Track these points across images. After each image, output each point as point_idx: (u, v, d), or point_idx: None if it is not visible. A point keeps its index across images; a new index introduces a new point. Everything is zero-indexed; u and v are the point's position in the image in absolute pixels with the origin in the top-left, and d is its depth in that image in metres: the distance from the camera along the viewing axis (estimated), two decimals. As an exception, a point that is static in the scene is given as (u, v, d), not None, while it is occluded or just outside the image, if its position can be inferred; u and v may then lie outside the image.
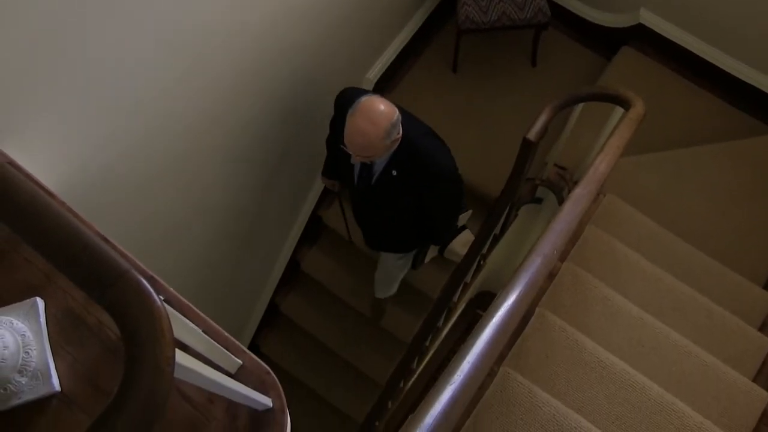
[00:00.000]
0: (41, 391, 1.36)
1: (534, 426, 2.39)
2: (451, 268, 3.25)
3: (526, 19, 3.75)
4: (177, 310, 1.26)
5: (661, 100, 3.77)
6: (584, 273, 2.85)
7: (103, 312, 1.06)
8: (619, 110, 2.77)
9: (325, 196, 4.08)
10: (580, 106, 2.91)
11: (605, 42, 4.17)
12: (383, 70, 3.95)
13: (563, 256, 2.94)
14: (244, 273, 3.89)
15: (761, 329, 3.03)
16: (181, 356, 0.96)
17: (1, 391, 1.33)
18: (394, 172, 2.51)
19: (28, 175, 1.52)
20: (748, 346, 2.88)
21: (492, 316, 1.63)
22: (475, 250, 3.04)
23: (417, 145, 2.46)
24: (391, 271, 3.48)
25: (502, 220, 3.23)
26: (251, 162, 3.08)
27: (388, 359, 4.11)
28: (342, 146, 2.38)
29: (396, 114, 2.31)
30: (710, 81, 3.92)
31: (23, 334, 1.38)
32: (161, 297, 0.87)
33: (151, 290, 0.86)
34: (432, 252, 3.19)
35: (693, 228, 3.43)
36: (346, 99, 2.47)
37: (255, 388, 1.35)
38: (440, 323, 3.43)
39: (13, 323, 1.39)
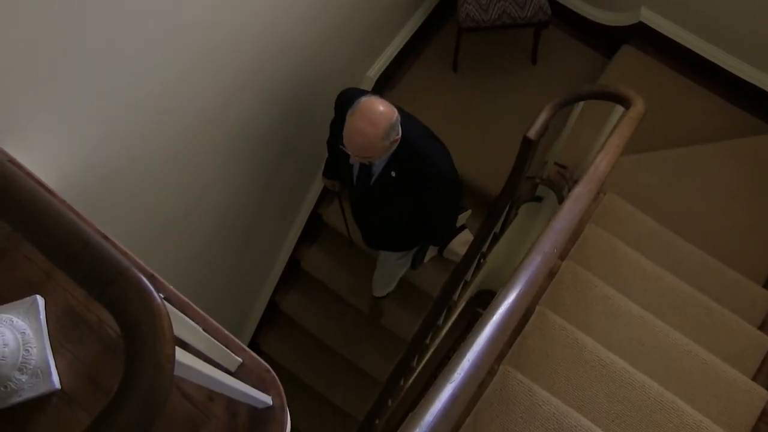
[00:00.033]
0: (41, 389, 1.36)
1: (534, 424, 2.39)
2: (451, 267, 3.25)
3: (526, 17, 3.75)
4: (177, 308, 1.26)
5: (661, 98, 3.77)
6: (584, 271, 2.85)
7: (103, 310, 1.06)
8: (620, 109, 2.76)
9: (325, 195, 4.08)
10: (581, 104, 2.91)
11: (606, 40, 4.17)
12: (383, 68, 3.95)
13: (563, 255, 2.94)
14: (244, 271, 3.90)
15: (761, 328, 3.03)
16: (181, 354, 0.96)
17: (2, 388, 1.33)
18: (393, 173, 2.52)
19: (28, 173, 1.52)
20: (747, 344, 2.88)
21: (492, 315, 1.63)
22: (475, 248, 3.04)
23: (416, 147, 2.47)
24: (391, 269, 3.48)
25: (502, 219, 3.23)
26: (251, 160, 3.08)
27: (388, 357, 4.11)
28: (341, 146, 2.38)
29: (395, 115, 2.31)
30: (710, 80, 3.92)
31: (23, 332, 1.38)
32: (161, 295, 0.87)
33: (151, 288, 0.86)
34: (431, 252, 3.19)
35: (693, 226, 3.43)
36: (347, 99, 2.47)
37: (255, 386, 1.35)
38: (440, 321, 3.43)
39: (13, 321, 1.39)
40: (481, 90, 4.10)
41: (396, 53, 4.03)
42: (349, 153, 2.35)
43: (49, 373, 1.37)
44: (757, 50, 3.67)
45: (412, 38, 4.13)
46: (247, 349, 1.43)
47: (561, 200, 3.40)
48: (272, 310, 4.44)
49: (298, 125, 3.34)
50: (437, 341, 3.91)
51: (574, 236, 3.00)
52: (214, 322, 1.45)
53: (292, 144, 3.41)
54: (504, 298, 1.69)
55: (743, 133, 3.79)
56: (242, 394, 1.28)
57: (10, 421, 1.36)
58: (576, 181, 2.48)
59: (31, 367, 1.36)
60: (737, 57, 3.77)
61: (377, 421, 3.67)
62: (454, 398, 1.41)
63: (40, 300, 1.44)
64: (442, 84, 4.13)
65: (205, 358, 1.22)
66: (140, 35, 1.91)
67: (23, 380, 1.35)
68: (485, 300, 4.29)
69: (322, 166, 3.11)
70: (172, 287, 1.45)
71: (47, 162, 1.79)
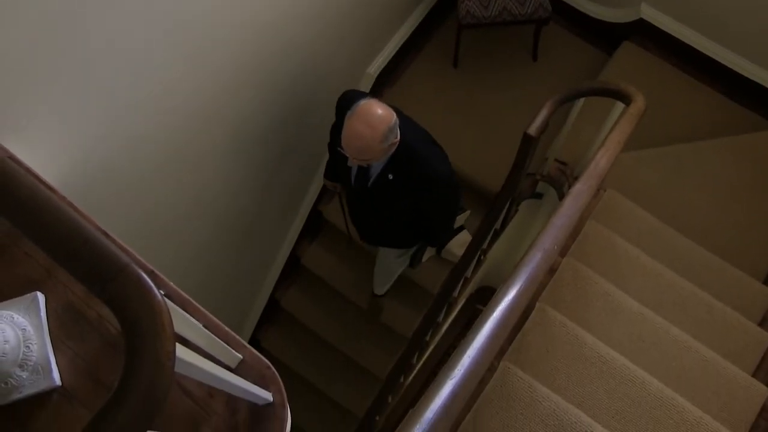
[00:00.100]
0: (42, 386, 1.36)
1: (534, 421, 2.39)
2: (451, 264, 3.25)
3: (526, 14, 3.74)
4: (177, 305, 1.26)
5: (661, 95, 3.76)
6: (585, 268, 2.85)
7: (103, 306, 1.06)
8: (620, 105, 2.76)
9: (326, 191, 4.08)
10: (581, 101, 2.91)
11: (606, 37, 4.16)
12: (384, 65, 3.95)
13: (563, 252, 2.94)
14: (244, 268, 3.90)
15: (761, 324, 3.03)
16: (181, 350, 0.96)
17: (2, 385, 1.33)
18: (391, 176, 2.52)
19: (28, 170, 1.52)
20: (748, 341, 2.88)
21: (492, 311, 1.63)
22: (475, 245, 3.04)
23: (414, 150, 2.47)
24: (390, 266, 3.49)
25: (502, 216, 3.23)
26: (251, 157, 3.08)
27: (389, 354, 4.12)
28: (339, 149, 2.38)
29: (394, 118, 2.31)
30: (711, 76, 3.92)
31: (24, 329, 1.39)
32: (161, 291, 0.87)
33: (152, 284, 0.86)
34: (429, 252, 3.20)
35: (693, 223, 3.43)
36: (347, 101, 2.48)
37: (255, 383, 1.35)
38: (440, 318, 3.43)
39: (13, 318, 1.39)
40: (482, 86, 4.10)
41: (396, 50, 4.02)
42: (347, 155, 2.35)
43: (50, 370, 1.38)
44: (758, 47, 3.67)
45: (412, 35, 4.12)
46: (248, 345, 1.43)
47: (561, 197, 3.40)
48: (272, 306, 4.45)
49: (298, 125, 3.33)
50: (437, 338, 3.92)
51: (575, 233, 3.00)
52: (215, 318, 1.45)
53: (292, 144, 3.42)
54: (504, 294, 1.69)
55: (744, 129, 3.79)
56: (243, 391, 1.28)
57: (10, 417, 1.36)
58: (576, 178, 2.48)
59: (32, 363, 1.36)
60: (738, 53, 3.76)
61: (377, 418, 3.68)
62: (454, 395, 1.41)
63: (41, 297, 1.44)
64: (443, 80, 4.13)
65: (205, 355, 1.22)
66: (140, 35, 1.90)
67: (24, 377, 1.35)
68: (485, 297, 4.28)
69: (323, 165, 3.11)
70: (172, 284, 1.45)
71: (47, 159, 1.78)
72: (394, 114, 2.33)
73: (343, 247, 4.10)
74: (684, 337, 2.73)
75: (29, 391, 1.35)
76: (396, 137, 2.37)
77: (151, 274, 1.39)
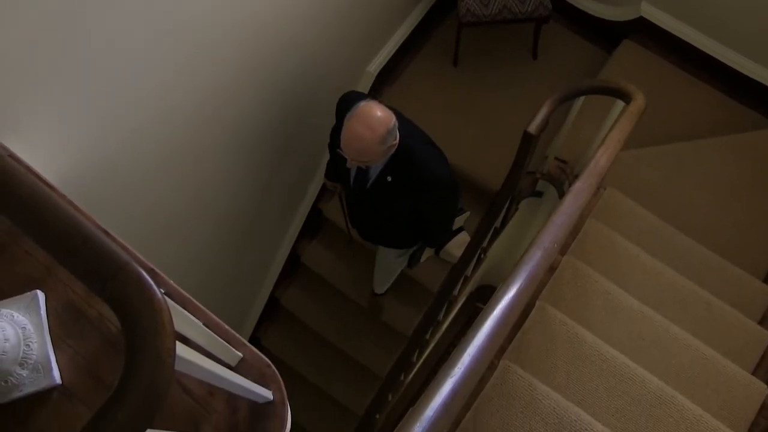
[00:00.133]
0: (42, 384, 1.36)
1: (534, 419, 2.40)
2: (450, 263, 3.25)
3: (527, 12, 3.74)
4: (177, 303, 1.27)
5: (662, 93, 3.76)
6: (585, 266, 2.85)
7: (103, 304, 1.06)
8: (620, 103, 2.76)
9: (326, 189, 4.08)
10: (581, 99, 2.91)
11: (606, 35, 4.16)
12: (384, 63, 3.95)
13: (563, 250, 2.94)
14: (244, 266, 3.90)
15: (761, 323, 3.03)
16: (181, 349, 0.96)
17: (2, 383, 1.33)
18: (389, 178, 2.53)
19: (28, 168, 1.52)
20: (747, 339, 2.88)
21: (492, 309, 1.63)
22: (475, 243, 3.04)
23: (413, 152, 2.48)
24: (390, 265, 3.50)
25: (502, 214, 3.23)
26: (251, 156, 3.08)
27: (389, 352, 4.12)
28: (338, 150, 2.39)
29: (393, 120, 2.32)
30: (711, 74, 3.91)
31: (24, 327, 1.39)
32: (162, 290, 0.87)
33: (152, 283, 0.86)
34: (428, 252, 3.21)
35: (693, 222, 3.43)
36: (347, 103, 2.48)
37: (255, 381, 1.35)
38: (440, 317, 3.44)
39: (14, 316, 1.39)
40: (482, 85, 4.10)
41: (396, 48, 4.02)
42: (346, 156, 2.36)
43: (50, 368, 1.38)
44: (758, 45, 3.66)
45: (412, 33, 4.12)
46: (248, 344, 1.43)
47: (561, 195, 3.40)
48: (273, 305, 4.45)
49: (298, 125, 3.34)
50: (437, 336, 3.92)
51: (575, 231, 3.00)
52: (215, 317, 1.45)
53: (292, 144, 3.42)
54: (504, 293, 1.69)
55: (744, 128, 3.79)
56: (243, 389, 1.28)
57: (11, 415, 1.36)
58: (576, 176, 2.48)
59: (32, 361, 1.37)
60: (738, 52, 3.76)
61: (377, 416, 3.68)
62: (455, 393, 1.41)
63: (41, 295, 1.44)
64: (443, 79, 4.13)
65: (205, 353, 1.22)
66: (140, 34, 1.90)
67: (24, 375, 1.35)
68: (485, 295, 4.29)
69: (323, 164, 3.11)
70: (172, 282, 1.45)
71: (48, 157, 1.78)
72: (393, 116, 2.33)
73: (343, 246, 4.11)
74: (684, 335, 2.73)
75: (29, 389, 1.36)
76: (395, 139, 2.37)
77: (151, 272, 1.39)
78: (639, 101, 2.65)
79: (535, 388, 2.43)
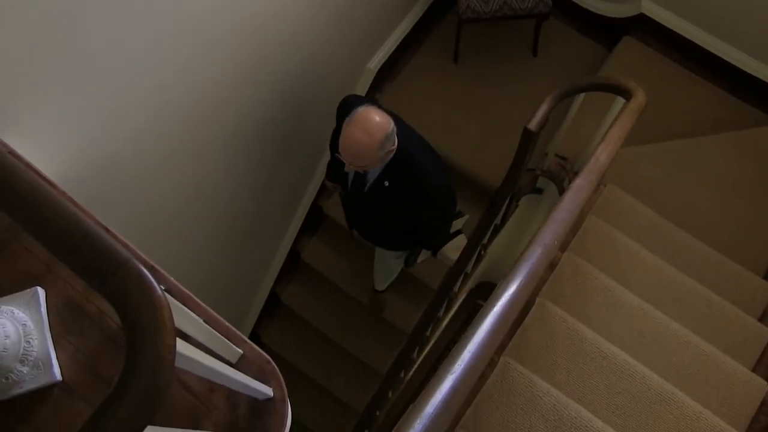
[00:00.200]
0: (42, 381, 1.37)
1: (534, 415, 2.40)
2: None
3: (527, 8, 3.74)
4: (178, 300, 1.27)
5: (662, 90, 3.75)
6: (585, 263, 2.85)
7: (103, 301, 1.06)
8: (621, 100, 2.76)
9: (326, 187, 4.08)
10: (581, 96, 2.91)
11: (607, 32, 4.15)
12: (384, 60, 3.94)
13: (564, 247, 2.94)
14: (244, 263, 3.90)
15: (761, 319, 3.03)
16: (182, 345, 0.96)
17: (3, 380, 1.34)
18: (387, 183, 2.54)
19: (28, 165, 1.52)
20: (747, 336, 2.89)
21: (492, 306, 1.63)
22: (475, 240, 3.04)
23: (411, 158, 2.49)
24: (388, 264, 3.51)
25: (502, 211, 3.23)
26: (251, 154, 3.08)
27: (389, 349, 4.12)
28: (337, 154, 2.40)
29: (391, 126, 2.32)
30: (712, 72, 3.91)
31: (24, 324, 1.39)
32: (162, 286, 0.87)
33: (152, 279, 0.86)
34: (425, 254, 3.22)
35: (694, 219, 3.43)
36: (348, 106, 2.49)
37: (255, 378, 1.36)
38: (441, 313, 3.43)
39: (14, 313, 1.39)
40: (482, 81, 4.09)
41: (396, 45, 4.02)
42: (344, 161, 2.36)
43: (51, 365, 1.38)
44: (761, 43, 3.66)
45: (412, 30, 4.12)
46: (248, 340, 1.44)
47: (561, 192, 3.40)
48: (273, 301, 4.45)
49: (298, 125, 3.34)
50: (438, 333, 3.92)
51: (575, 228, 3.00)
52: (215, 313, 1.45)
53: (291, 144, 3.42)
54: (504, 289, 1.69)
55: (746, 125, 3.78)
56: (243, 386, 1.28)
57: (11, 412, 1.36)
58: (576, 173, 2.48)
59: (33, 358, 1.37)
60: (740, 49, 3.75)
61: (377, 413, 3.68)
62: (455, 390, 1.41)
63: (41, 292, 1.44)
64: (443, 75, 4.13)
65: (205, 350, 1.22)
66: (141, 25, 1.90)
67: (25, 372, 1.35)
68: (486, 292, 4.29)
69: (322, 162, 3.12)
70: (172, 279, 1.45)
71: (47, 154, 1.78)
72: (392, 121, 2.34)
73: (343, 243, 4.11)
74: (684, 332, 2.73)
75: (30, 386, 1.36)
76: (393, 144, 2.38)
77: (151, 269, 1.39)
78: (639, 98, 2.65)
79: (535, 385, 2.43)
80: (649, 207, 3.28)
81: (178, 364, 0.89)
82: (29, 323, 1.39)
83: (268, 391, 1.37)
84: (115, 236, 1.35)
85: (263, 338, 4.54)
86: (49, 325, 1.42)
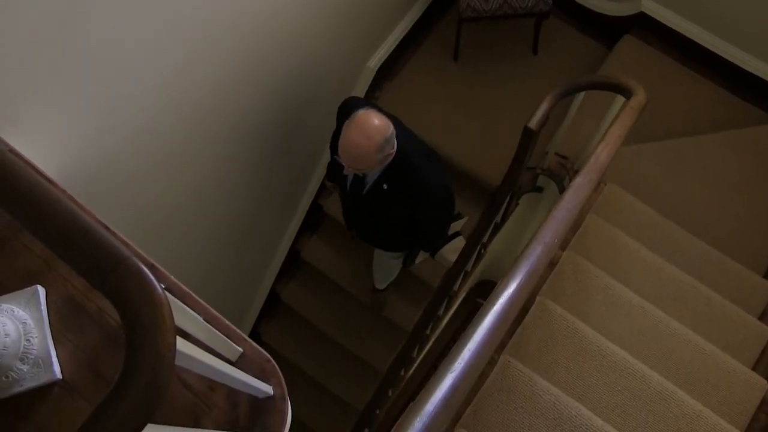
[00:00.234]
0: (43, 379, 1.37)
1: (534, 414, 2.40)
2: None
3: (527, 7, 3.73)
4: (178, 298, 1.26)
5: (662, 88, 3.75)
6: (585, 262, 2.85)
7: (103, 299, 1.06)
8: (621, 99, 2.76)
9: (326, 186, 4.08)
10: (582, 94, 2.90)
11: (607, 30, 4.15)
12: (384, 58, 3.94)
13: (564, 245, 2.94)
14: (244, 261, 3.90)
15: (761, 318, 3.03)
16: (182, 344, 0.96)
17: (3, 378, 1.34)
18: (385, 186, 2.55)
19: (28, 162, 1.52)
20: (747, 334, 2.89)
21: (493, 304, 1.63)
22: (475, 239, 3.04)
23: (410, 161, 2.49)
24: (387, 264, 3.51)
25: (503, 209, 3.23)
26: (251, 152, 3.08)
27: (389, 348, 4.12)
28: (336, 156, 2.40)
29: (390, 129, 2.33)
30: (713, 70, 3.90)
31: (24, 322, 1.39)
32: (162, 284, 0.87)
33: (152, 277, 0.86)
34: (423, 255, 3.22)
35: (694, 217, 3.43)
36: (348, 108, 2.49)
37: (256, 376, 1.36)
38: (441, 312, 3.43)
39: (14, 311, 1.39)
40: (482, 80, 4.09)
41: (397, 43, 4.02)
42: (343, 163, 2.37)
43: (51, 363, 1.38)
44: (761, 41, 3.65)
45: (412, 28, 4.11)
46: (248, 339, 1.44)
47: (562, 190, 3.40)
48: (273, 300, 4.45)
49: (298, 115, 3.33)
50: (438, 331, 3.92)
51: (575, 226, 3.00)
52: (215, 312, 1.45)
53: (291, 143, 3.42)
54: (504, 288, 1.69)
55: (746, 124, 3.78)
56: (243, 384, 1.28)
57: (11, 410, 1.36)
58: (577, 172, 2.48)
59: (33, 356, 1.37)
60: (740, 47, 3.75)
61: (378, 411, 3.68)
62: (455, 388, 1.41)
63: (41, 290, 1.44)
64: (443, 74, 4.12)
65: (205, 348, 1.22)
66: (141, 24, 1.90)
67: (25, 370, 1.35)
68: (486, 290, 4.29)
69: (322, 160, 3.12)
70: (172, 277, 1.45)
71: (47, 152, 1.78)
72: (391, 125, 2.34)
73: (344, 241, 4.11)
74: (684, 330, 2.73)
75: (30, 384, 1.36)
76: (392, 148, 2.38)
77: (151, 267, 1.39)
78: (639, 96, 2.65)
79: (535, 384, 2.43)
80: (649, 205, 3.28)
81: (178, 362, 0.89)
82: (29, 321, 1.39)
83: (268, 389, 1.37)
84: (115, 234, 1.35)
85: (263, 337, 4.54)
86: (49, 323, 1.42)
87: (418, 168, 2.51)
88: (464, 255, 3.06)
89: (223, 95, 2.57)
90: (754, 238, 3.46)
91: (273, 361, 1.42)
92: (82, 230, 0.85)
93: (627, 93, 2.70)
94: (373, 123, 2.28)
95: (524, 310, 2.63)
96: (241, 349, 1.41)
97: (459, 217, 3.06)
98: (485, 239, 3.28)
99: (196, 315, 1.26)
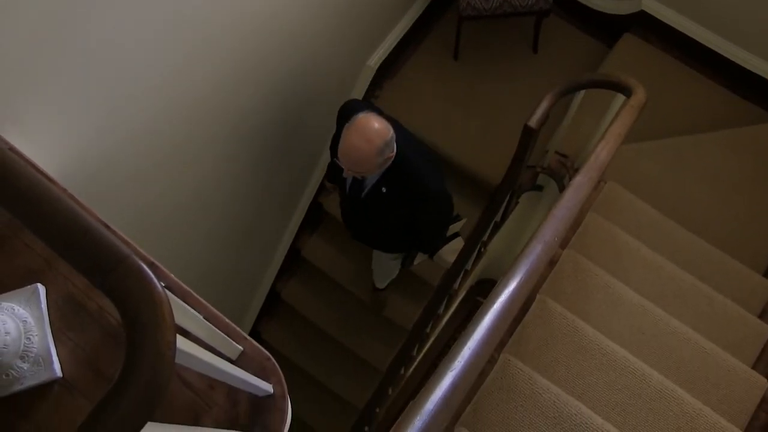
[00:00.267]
0: (43, 377, 1.37)
1: (534, 412, 2.40)
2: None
3: (527, 5, 3.73)
4: (178, 297, 1.27)
5: (662, 87, 3.75)
6: (585, 260, 2.85)
7: (103, 298, 1.06)
8: (621, 97, 2.76)
9: (325, 185, 4.08)
10: (582, 93, 2.90)
11: (607, 29, 4.15)
12: (384, 57, 3.94)
13: (564, 244, 2.94)
14: (245, 260, 3.90)
15: (761, 316, 3.03)
16: (182, 342, 0.96)
17: (4, 376, 1.34)
18: (384, 189, 2.55)
19: (28, 161, 1.52)
20: (747, 333, 2.89)
21: (493, 303, 1.63)
22: (475, 237, 3.04)
23: (409, 165, 2.49)
24: (386, 265, 3.52)
25: (503, 208, 3.23)
26: (251, 152, 3.08)
27: (389, 346, 4.12)
28: (335, 159, 2.40)
29: (390, 133, 2.33)
30: (713, 69, 3.90)
31: (25, 320, 1.39)
32: (162, 283, 0.87)
33: (152, 275, 0.86)
34: (421, 256, 3.23)
35: (694, 215, 3.43)
36: (348, 111, 2.50)
37: (256, 374, 1.36)
38: (441, 310, 3.44)
39: (14, 309, 1.39)
40: (482, 78, 4.09)
41: (397, 42, 4.02)
42: (343, 167, 2.37)
43: (51, 361, 1.38)
44: (761, 39, 3.65)
45: (412, 27, 4.11)
46: (248, 337, 1.44)
47: (562, 189, 3.40)
48: (273, 298, 4.45)
49: (299, 114, 3.33)
50: (438, 330, 3.92)
51: (575, 225, 3.00)
52: (215, 310, 1.45)
53: (291, 143, 3.42)
54: (504, 286, 1.69)
55: (746, 122, 3.78)
56: (243, 382, 1.28)
57: (12, 408, 1.36)
58: (577, 170, 2.48)
59: (33, 355, 1.37)
60: (740, 46, 3.75)
61: (377, 410, 3.68)
62: (455, 386, 1.41)
63: (42, 288, 1.44)
64: (443, 72, 4.12)
65: (206, 347, 1.22)
66: (141, 23, 1.90)
67: (25, 368, 1.35)
68: (486, 289, 4.29)
69: (323, 159, 3.11)
70: (173, 276, 1.46)
71: (47, 151, 1.78)
72: (391, 128, 2.35)
73: (344, 240, 4.11)
74: (684, 329, 2.73)
75: (30, 382, 1.36)
76: (392, 152, 2.39)
77: (151, 265, 1.39)
78: (640, 95, 2.65)
79: (535, 382, 2.43)
80: (650, 204, 3.28)
81: (178, 360, 0.89)
82: (29, 320, 1.39)
83: (268, 387, 1.37)
84: (115, 233, 1.35)
85: (263, 335, 4.55)
86: (50, 322, 1.42)
87: (418, 172, 2.51)
88: (464, 254, 3.06)
89: (223, 95, 2.57)
90: (754, 237, 3.46)
91: (273, 360, 1.43)
92: (82, 229, 0.85)
93: (627, 91, 2.70)
94: (373, 126, 2.28)
95: (524, 308, 2.64)
96: (241, 348, 1.41)
97: (458, 218, 3.07)
98: (485, 238, 3.29)
99: (196, 313, 1.26)
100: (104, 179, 2.12)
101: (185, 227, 2.91)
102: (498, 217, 3.30)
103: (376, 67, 3.89)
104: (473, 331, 1.54)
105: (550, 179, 3.52)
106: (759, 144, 3.68)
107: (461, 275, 3.26)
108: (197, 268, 3.23)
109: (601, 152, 2.38)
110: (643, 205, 3.27)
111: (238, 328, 1.44)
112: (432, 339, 3.93)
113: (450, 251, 3.11)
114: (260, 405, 1.39)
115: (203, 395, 1.39)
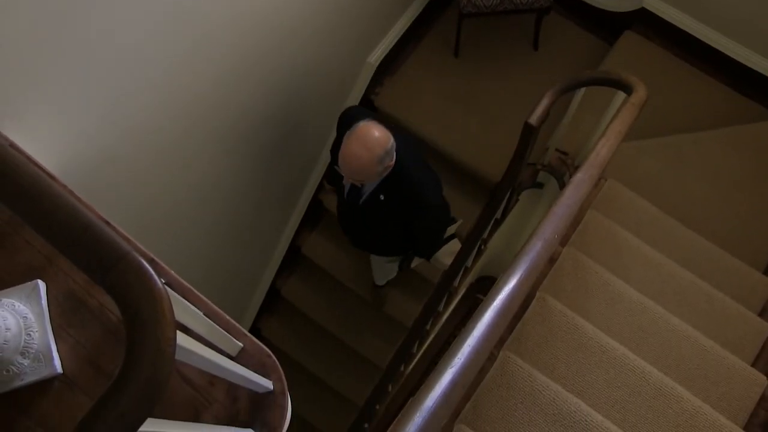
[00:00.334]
0: (43, 373, 1.37)
1: (533, 410, 2.40)
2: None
3: (528, 2, 3.73)
4: (178, 293, 1.27)
5: (663, 84, 3.75)
6: (585, 258, 2.85)
7: (104, 294, 1.06)
8: (621, 95, 2.75)
9: (325, 186, 4.08)
10: (582, 90, 2.90)
11: (608, 26, 4.14)
12: (384, 54, 3.94)
13: (564, 241, 2.94)
14: (245, 257, 3.90)
15: (761, 314, 3.03)
16: (182, 338, 0.96)
17: (4, 372, 1.34)
18: (382, 197, 2.56)
19: (29, 158, 1.52)
20: (747, 330, 2.89)
21: (493, 300, 1.63)
22: (475, 234, 3.04)
23: (408, 174, 2.51)
24: (384, 265, 3.53)
25: (503, 205, 3.23)
26: (252, 146, 3.08)
27: (389, 343, 4.13)
28: (335, 167, 2.41)
29: (390, 142, 2.34)
30: (714, 66, 3.90)
31: (25, 317, 1.39)
32: (162, 279, 0.87)
33: (152, 272, 0.86)
34: (418, 259, 3.24)
35: (694, 213, 3.43)
36: (348, 119, 2.50)
37: (256, 371, 1.36)
38: (441, 308, 3.44)
39: (15, 305, 1.40)
40: (483, 76, 4.09)
41: (397, 39, 4.01)
42: (342, 174, 2.38)
43: (51, 357, 1.38)
44: (762, 37, 3.65)
45: (413, 24, 4.11)
46: (248, 334, 1.44)
47: (562, 186, 3.40)
48: (273, 295, 4.45)
49: (299, 112, 3.33)
50: (438, 327, 3.93)
51: (575, 222, 3.00)
52: (215, 307, 1.45)
53: (292, 129, 3.41)
54: (505, 283, 1.69)
55: (747, 120, 3.77)
56: (243, 379, 1.28)
57: (12, 404, 1.37)
58: (577, 168, 2.48)
59: (33, 351, 1.37)
60: (741, 44, 3.74)
61: (377, 406, 3.69)
62: (455, 383, 1.41)
63: (42, 285, 1.44)
64: (444, 70, 4.12)
65: (206, 343, 1.23)
66: (142, 18, 1.90)
67: (25, 364, 1.36)
68: (486, 286, 4.29)
69: (323, 158, 3.11)
70: (173, 272, 1.46)
71: (48, 148, 1.79)
72: (391, 137, 2.36)
73: (344, 237, 4.11)
74: (684, 326, 2.73)
75: (31, 378, 1.36)
76: (391, 160, 2.40)
77: (151, 262, 1.39)
78: (640, 92, 2.65)
79: (535, 379, 2.43)
80: (650, 201, 3.28)
81: (178, 356, 0.89)
82: (30, 316, 1.39)
83: (268, 384, 1.37)
84: (115, 229, 1.35)
85: (263, 332, 4.55)
86: (50, 318, 1.42)
87: (416, 180, 2.53)
88: (464, 251, 3.06)
89: (224, 91, 2.57)
90: (754, 235, 3.46)
91: (273, 357, 1.43)
92: (83, 225, 0.85)
93: (628, 89, 2.69)
94: (374, 135, 2.29)
95: (524, 305, 2.64)
96: (241, 344, 1.41)
97: (453, 221, 3.07)
98: (485, 235, 3.29)
99: (197, 310, 1.26)
100: (104, 176, 2.12)
101: (185, 224, 2.91)
102: (498, 215, 3.29)
103: (377, 64, 3.89)
104: (473, 328, 1.55)
105: (551, 176, 3.51)
106: (760, 142, 3.68)
107: (461, 272, 3.26)
108: (197, 265, 3.23)
109: (602, 150, 2.38)
110: (644, 203, 3.27)
111: (238, 325, 1.44)
112: (432, 336, 3.94)
113: (447, 253, 3.12)
114: (260, 402, 1.39)
115: (203, 392, 1.39)
